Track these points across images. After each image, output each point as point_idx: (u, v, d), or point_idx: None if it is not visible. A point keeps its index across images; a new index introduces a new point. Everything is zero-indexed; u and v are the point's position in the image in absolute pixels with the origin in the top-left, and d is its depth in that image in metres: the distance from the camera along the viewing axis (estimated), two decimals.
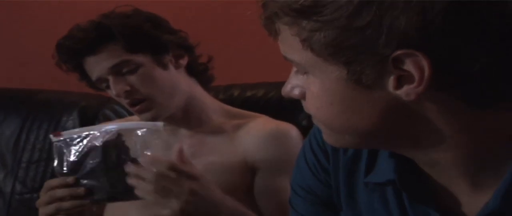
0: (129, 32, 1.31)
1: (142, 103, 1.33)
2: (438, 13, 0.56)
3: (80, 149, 1.18)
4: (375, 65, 0.60)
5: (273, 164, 1.36)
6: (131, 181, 1.14)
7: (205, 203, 1.15)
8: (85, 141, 1.19)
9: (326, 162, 0.83)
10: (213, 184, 1.18)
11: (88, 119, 1.74)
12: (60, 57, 1.37)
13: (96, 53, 1.32)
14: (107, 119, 1.73)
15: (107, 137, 1.18)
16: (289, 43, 0.64)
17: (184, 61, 1.40)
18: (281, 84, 0.72)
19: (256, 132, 1.38)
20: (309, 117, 0.71)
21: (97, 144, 1.18)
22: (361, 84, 0.62)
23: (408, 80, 0.60)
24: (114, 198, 1.20)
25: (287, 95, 0.71)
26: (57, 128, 1.77)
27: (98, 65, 1.33)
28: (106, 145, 1.18)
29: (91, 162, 1.17)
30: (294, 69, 0.69)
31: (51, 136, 1.21)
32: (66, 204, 1.18)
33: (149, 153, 1.17)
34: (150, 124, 1.23)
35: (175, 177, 1.13)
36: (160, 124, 1.21)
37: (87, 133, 1.19)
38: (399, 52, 0.58)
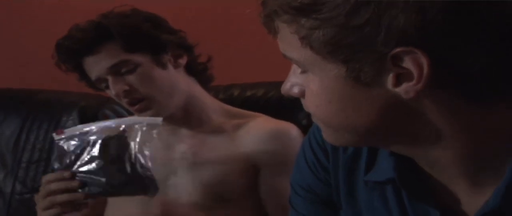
0: (128, 32, 1.31)
1: (141, 102, 1.33)
2: (438, 11, 0.56)
3: (79, 144, 1.19)
4: (373, 62, 0.60)
5: (274, 164, 1.36)
6: None
7: None
8: (85, 137, 1.19)
9: (326, 161, 0.83)
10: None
11: (87, 119, 1.72)
12: (60, 57, 1.37)
13: (95, 53, 1.33)
14: (107, 119, 1.73)
15: (108, 132, 1.19)
16: (288, 41, 0.64)
17: (183, 61, 1.40)
18: (281, 83, 0.72)
19: (257, 132, 1.38)
20: (309, 116, 0.71)
21: (96, 139, 1.18)
22: (360, 82, 0.61)
23: (407, 78, 0.60)
24: (108, 193, 1.20)
25: (286, 93, 0.71)
26: (57, 128, 1.77)
27: (97, 65, 1.33)
28: (106, 140, 1.18)
29: (88, 156, 1.18)
30: (294, 67, 0.69)
31: (53, 134, 1.22)
32: (60, 198, 1.18)
33: (146, 149, 1.17)
34: (149, 119, 1.23)
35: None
36: (159, 119, 1.22)
37: (88, 129, 1.20)
38: (398, 49, 0.58)
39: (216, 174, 1.37)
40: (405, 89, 0.61)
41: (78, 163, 1.18)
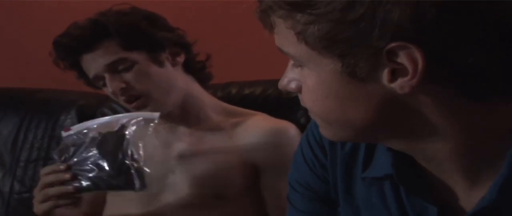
0: (125, 30, 1.31)
1: (138, 100, 1.33)
2: (431, 6, 0.56)
3: (78, 139, 1.20)
4: (369, 58, 0.60)
5: (272, 163, 1.36)
6: None
7: None
8: (86, 132, 1.20)
9: (324, 158, 0.83)
10: None
11: (86, 118, 1.70)
12: (58, 55, 1.37)
13: (92, 51, 1.33)
14: None
15: (107, 128, 1.20)
16: (284, 36, 0.64)
17: (181, 59, 1.40)
18: None
19: (255, 131, 1.38)
20: (307, 114, 0.71)
21: (94, 134, 1.19)
22: (355, 77, 0.62)
23: (402, 73, 0.60)
24: (97, 187, 1.19)
25: (283, 89, 0.71)
26: (55, 127, 1.78)
27: (94, 63, 1.33)
28: (103, 135, 1.19)
29: (85, 151, 1.18)
30: (291, 62, 0.69)
31: (62, 132, 1.23)
32: (53, 190, 1.19)
33: (140, 142, 1.18)
34: (146, 113, 1.24)
35: None
36: (156, 114, 1.22)
37: (95, 125, 1.21)
38: (392, 44, 0.58)
39: (214, 172, 1.37)
40: (400, 85, 0.61)
41: (75, 158, 1.19)
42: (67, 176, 1.18)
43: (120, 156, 1.16)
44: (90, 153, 1.18)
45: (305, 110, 0.71)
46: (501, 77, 0.60)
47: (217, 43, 1.58)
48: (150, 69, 1.33)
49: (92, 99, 1.80)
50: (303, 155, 0.86)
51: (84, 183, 1.18)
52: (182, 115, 1.40)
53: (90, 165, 1.17)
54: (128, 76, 1.32)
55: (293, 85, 0.69)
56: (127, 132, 1.18)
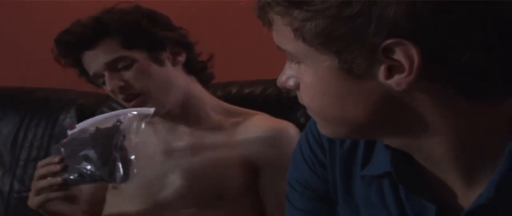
0: (126, 28, 1.32)
1: (137, 99, 1.33)
2: (427, 5, 0.56)
3: (80, 136, 1.21)
4: (365, 54, 0.60)
5: (272, 163, 1.36)
6: None
7: None
8: (89, 128, 1.22)
9: (323, 156, 0.83)
10: None
11: (85, 117, 1.70)
12: (59, 52, 1.37)
13: (93, 48, 1.33)
14: None
15: (105, 124, 1.21)
16: (282, 33, 0.64)
17: (182, 58, 1.40)
18: None
19: (255, 130, 1.38)
20: (307, 114, 0.72)
21: (93, 129, 1.20)
22: (352, 74, 0.62)
23: (399, 70, 0.60)
24: (83, 180, 1.20)
25: (282, 86, 0.71)
26: (55, 126, 1.78)
27: (94, 61, 1.33)
28: (99, 128, 1.20)
29: (81, 145, 1.19)
30: (289, 59, 0.69)
31: (67, 130, 1.24)
32: (43, 182, 1.20)
33: (132, 135, 1.19)
34: (142, 109, 1.25)
35: None
36: (151, 109, 1.23)
37: (96, 122, 1.22)
38: (388, 41, 0.58)
39: (214, 172, 1.37)
40: (396, 81, 0.61)
41: (69, 151, 1.20)
42: (57, 167, 1.18)
43: (109, 147, 1.17)
44: (83, 146, 1.19)
45: (305, 110, 0.71)
46: (500, 76, 0.60)
47: (217, 43, 1.58)
48: (150, 68, 1.33)
49: (92, 99, 1.80)
50: (302, 154, 0.86)
51: (72, 176, 1.18)
52: (182, 114, 1.40)
53: (80, 158, 1.18)
54: (128, 74, 1.32)
55: (291, 82, 0.70)
56: (120, 125, 1.18)
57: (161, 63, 1.35)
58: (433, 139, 0.66)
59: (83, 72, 1.39)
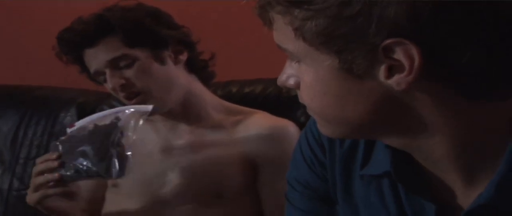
0: (129, 26, 1.31)
1: (138, 97, 1.32)
2: (427, 2, 0.56)
3: (80, 133, 1.21)
4: (366, 54, 0.60)
5: (272, 162, 1.36)
6: None
7: None
8: (88, 126, 1.22)
9: (323, 156, 0.83)
10: None
11: (85, 115, 1.70)
12: (61, 49, 1.37)
13: (95, 46, 1.33)
14: None
15: (103, 121, 1.21)
16: (283, 32, 0.64)
17: (183, 57, 1.40)
18: None
19: (255, 129, 1.39)
20: (307, 113, 0.71)
21: (92, 126, 1.21)
22: (352, 73, 0.62)
23: (399, 70, 0.60)
24: (80, 175, 1.20)
25: (282, 85, 0.71)
26: (55, 125, 1.78)
27: (96, 58, 1.33)
28: (97, 125, 1.20)
29: (79, 141, 1.19)
30: (289, 58, 0.69)
31: (67, 129, 1.24)
32: (41, 178, 1.20)
33: (129, 131, 1.19)
34: (140, 106, 1.25)
35: None
36: (149, 106, 1.23)
37: (95, 119, 1.22)
38: (389, 41, 0.58)
39: (214, 170, 1.37)
40: (397, 81, 0.60)
41: (67, 147, 1.20)
42: (55, 164, 1.18)
43: (107, 144, 1.17)
44: (81, 143, 1.19)
45: (305, 109, 0.71)
46: (501, 76, 0.60)
47: (218, 42, 1.58)
48: (151, 67, 1.33)
49: (92, 97, 1.80)
50: (302, 153, 0.86)
51: (68, 172, 1.18)
52: (183, 112, 1.40)
53: (78, 154, 1.18)
54: (129, 72, 1.32)
55: (291, 81, 0.70)
56: (118, 122, 1.18)
57: (163, 61, 1.35)
58: (434, 139, 0.65)
59: (84, 69, 1.39)
